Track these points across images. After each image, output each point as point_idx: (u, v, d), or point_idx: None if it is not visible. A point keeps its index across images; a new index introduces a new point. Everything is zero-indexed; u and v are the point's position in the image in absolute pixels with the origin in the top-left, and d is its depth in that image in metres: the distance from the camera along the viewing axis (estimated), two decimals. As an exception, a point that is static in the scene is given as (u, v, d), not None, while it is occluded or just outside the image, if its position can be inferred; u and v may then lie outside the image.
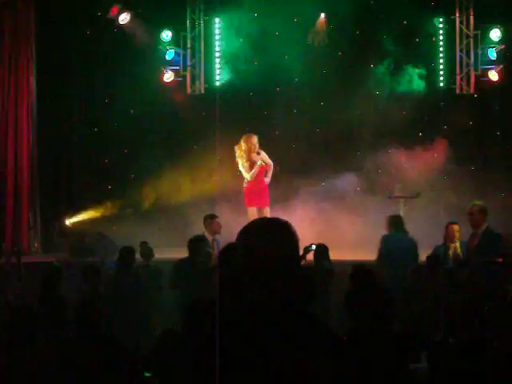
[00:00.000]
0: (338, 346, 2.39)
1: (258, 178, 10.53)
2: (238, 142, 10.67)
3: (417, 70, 12.80)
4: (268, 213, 10.45)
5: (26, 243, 12.48)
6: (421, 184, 12.40)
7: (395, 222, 9.04)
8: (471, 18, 12.84)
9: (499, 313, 5.06)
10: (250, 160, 10.49)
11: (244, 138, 10.59)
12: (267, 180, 10.66)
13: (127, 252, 8.30)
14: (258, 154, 10.58)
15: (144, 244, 9.02)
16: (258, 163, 10.45)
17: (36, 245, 12.72)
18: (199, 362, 2.44)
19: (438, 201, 12.62)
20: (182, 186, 12.74)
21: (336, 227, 11.84)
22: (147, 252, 8.93)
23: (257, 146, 10.54)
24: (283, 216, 2.86)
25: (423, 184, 12.44)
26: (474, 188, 11.98)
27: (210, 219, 9.33)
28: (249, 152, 10.45)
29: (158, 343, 4.75)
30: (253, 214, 10.37)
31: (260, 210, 10.53)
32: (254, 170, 10.46)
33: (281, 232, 2.47)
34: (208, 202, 12.27)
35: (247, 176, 10.50)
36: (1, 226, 12.45)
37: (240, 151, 10.52)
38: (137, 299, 7.88)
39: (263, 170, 10.59)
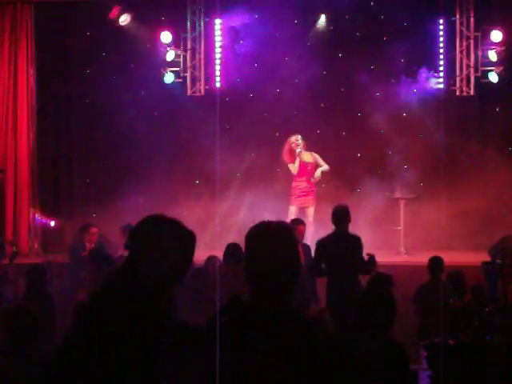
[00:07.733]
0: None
1: (305, 177, 10.90)
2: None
3: (417, 72, 12.79)
4: (311, 213, 10.78)
5: (26, 243, 12.49)
6: (421, 185, 12.42)
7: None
8: (471, 19, 12.83)
9: (499, 313, 5.06)
10: (292, 157, 10.98)
11: None
12: (312, 181, 11.03)
13: None
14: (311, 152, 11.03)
15: None
16: (297, 160, 10.90)
17: (36, 245, 12.72)
18: None
19: (438, 202, 12.63)
20: (181, 187, 12.74)
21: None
22: None
23: (297, 143, 10.92)
24: (280, 217, 2.91)
25: (423, 185, 12.46)
26: (474, 188, 11.99)
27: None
28: (290, 149, 10.96)
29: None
30: (292, 212, 10.72)
31: (303, 209, 10.91)
32: (294, 165, 10.90)
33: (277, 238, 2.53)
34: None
35: (292, 169, 10.96)
36: (1, 226, 12.45)
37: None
38: None
39: (310, 171, 10.91)
